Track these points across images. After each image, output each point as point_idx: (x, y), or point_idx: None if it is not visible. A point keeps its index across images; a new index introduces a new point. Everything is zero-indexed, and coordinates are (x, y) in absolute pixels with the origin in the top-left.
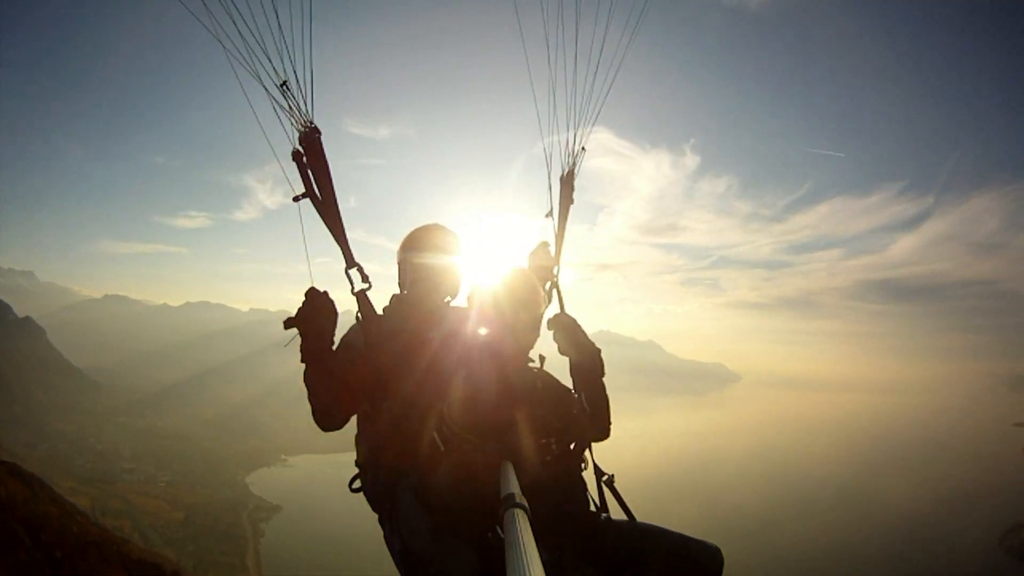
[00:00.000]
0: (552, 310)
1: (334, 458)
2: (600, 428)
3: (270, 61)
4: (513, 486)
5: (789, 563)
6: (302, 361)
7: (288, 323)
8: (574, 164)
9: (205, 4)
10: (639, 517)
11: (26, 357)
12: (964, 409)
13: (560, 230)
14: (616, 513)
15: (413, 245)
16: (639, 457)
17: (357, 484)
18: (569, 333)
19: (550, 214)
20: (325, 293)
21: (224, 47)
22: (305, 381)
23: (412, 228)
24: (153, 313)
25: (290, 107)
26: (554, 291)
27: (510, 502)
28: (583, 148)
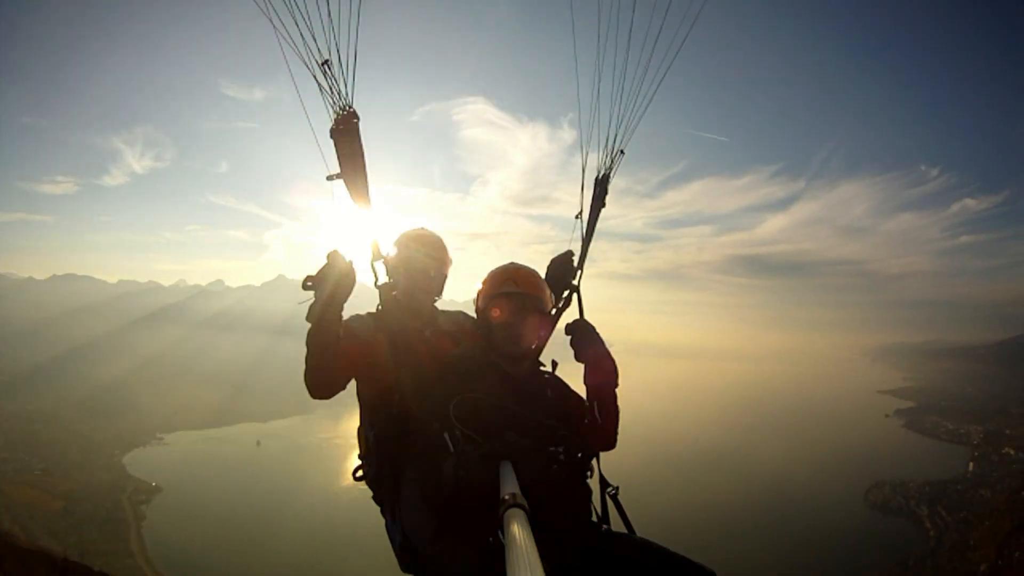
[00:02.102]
0: (572, 315)
1: (209, 433)
2: (609, 439)
3: (315, 39)
4: (513, 486)
5: (666, 523)
6: (308, 319)
7: (306, 282)
8: (611, 167)
9: None
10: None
11: None
12: (830, 377)
13: (588, 233)
14: (616, 524)
15: (406, 248)
16: None
17: (360, 474)
18: (586, 340)
19: (580, 215)
20: (348, 260)
21: (272, 23)
22: (307, 341)
23: (403, 231)
24: (19, 287)
25: (330, 88)
26: (574, 296)
27: (509, 502)
28: (622, 151)
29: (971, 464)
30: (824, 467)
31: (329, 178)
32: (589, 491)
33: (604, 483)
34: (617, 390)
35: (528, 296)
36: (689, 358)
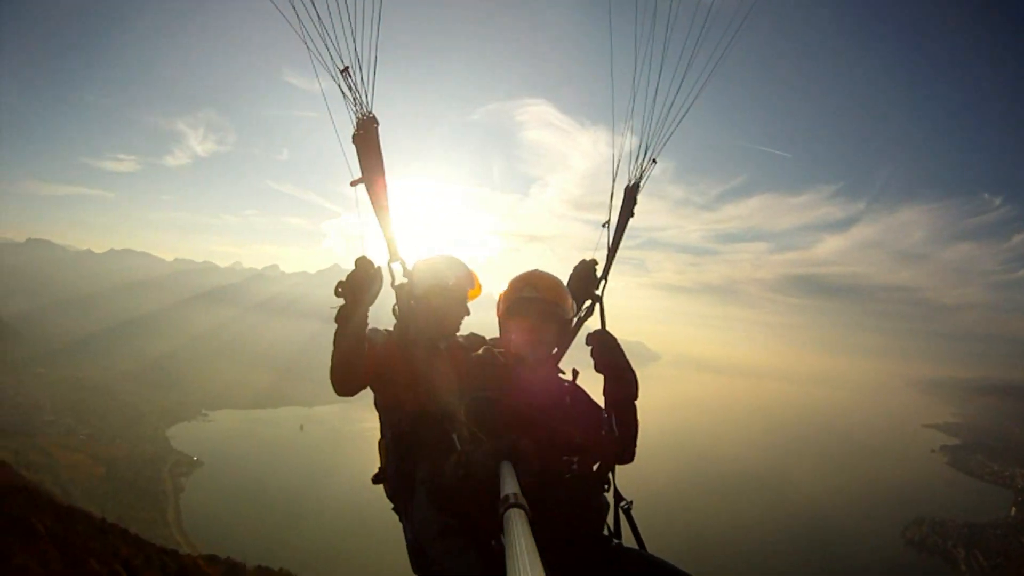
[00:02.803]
0: (594, 325)
1: (254, 414)
2: (626, 452)
3: (335, 47)
4: (512, 486)
5: (695, 542)
6: (336, 321)
7: (337, 289)
8: (641, 176)
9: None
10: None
11: None
12: (876, 406)
13: (615, 243)
14: (629, 540)
15: (433, 274)
16: None
17: (379, 477)
18: (607, 351)
19: (607, 224)
20: (376, 267)
21: (295, 29)
22: (334, 341)
23: (428, 257)
24: (77, 259)
25: (352, 94)
26: (596, 306)
27: (509, 502)
28: (654, 160)
29: (1013, 509)
30: (862, 498)
31: (352, 184)
32: (604, 503)
33: (618, 496)
34: (637, 403)
35: (549, 303)
36: (735, 375)
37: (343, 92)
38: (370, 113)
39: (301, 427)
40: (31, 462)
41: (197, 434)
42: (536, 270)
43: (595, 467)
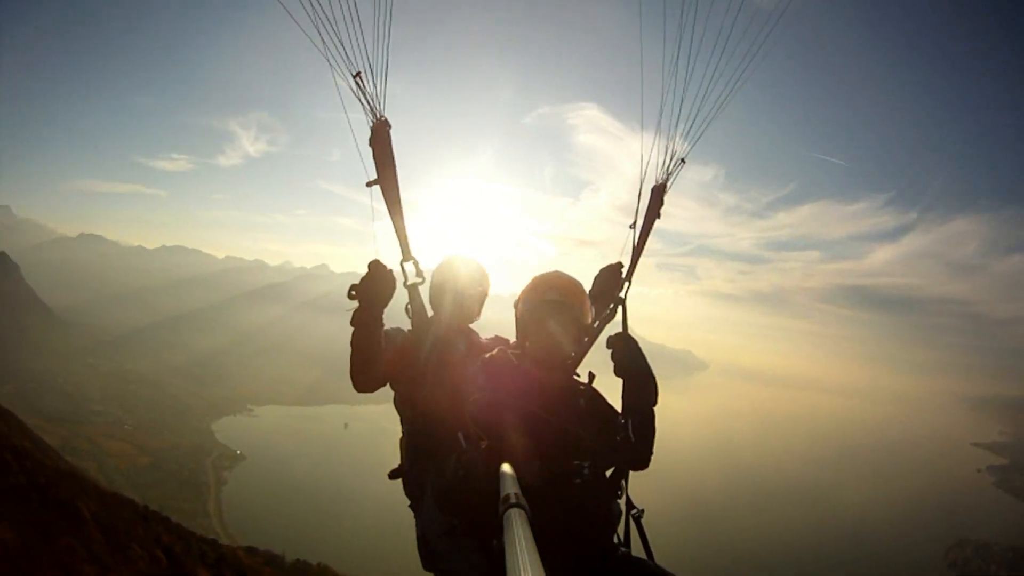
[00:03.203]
0: (615, 328)
1: (299, 411)
2: (642, 459)
3: (346, 54)
4: (512, 487)
5: (738, 554)
6: (351, 324)
7: (351, 292)
8: (668, 176)
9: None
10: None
11: None
12: (924, 422)
13: (640, 243)
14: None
15: (446, 276)
16: None
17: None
18: (628, 354)
19: (634, 225)
20: (388, 269)
21: (308, 36)
22: (351, 343)
23: (446, 258)
24: (128, 254)
25: (365, 98)
26: (618, 309)
27: (509, 502)
28: (682, 160)
29: None
30: (906, 516)
31: (368, 184)
32: (615, 510)
33: (629, 504)
34: (656, 408)
35: (567, 305)
36: (783, 386)
37: (357, 97)
38: (382, 117)
39: (345, 425)
40: (77, 449)
41: (242, 429)
42: (556, 271)
43: (609, 473)
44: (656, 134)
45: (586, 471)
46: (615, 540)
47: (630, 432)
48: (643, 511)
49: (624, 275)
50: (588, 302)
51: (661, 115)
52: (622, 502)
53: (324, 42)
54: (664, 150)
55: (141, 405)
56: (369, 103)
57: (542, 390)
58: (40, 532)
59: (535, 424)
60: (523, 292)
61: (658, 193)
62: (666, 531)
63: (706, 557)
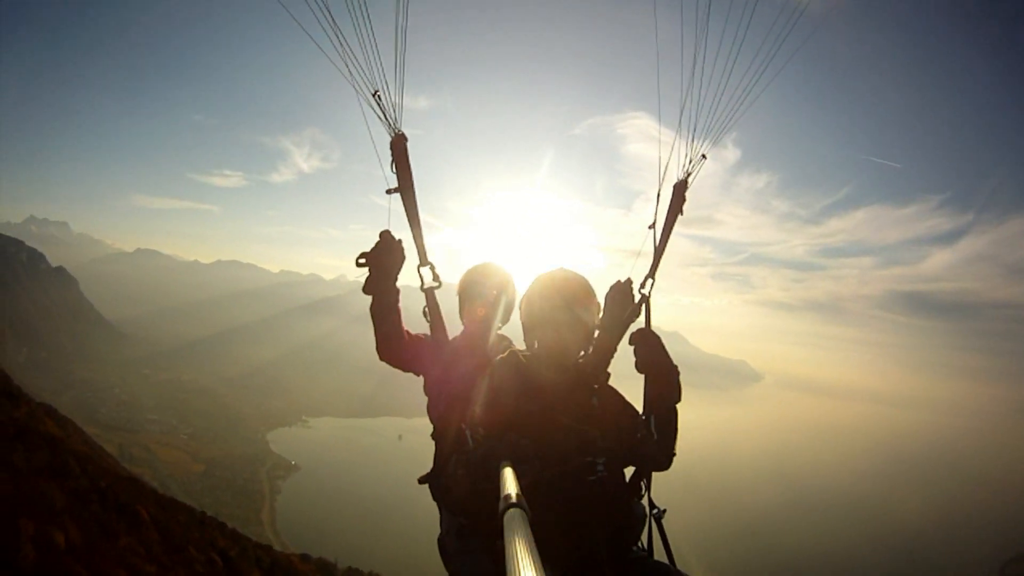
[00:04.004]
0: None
1: (354, 422)
2: (662, 457)
3: (363, 74)
4: (512, 486)
5: (790, 566)
6: (366, 292)
7: (359, 260)
8: (689, 173)
9: (325, 21)
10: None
11: (56, 306)
12: (982, 432)
13: (662, 241)
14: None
15: (470, 283)
16: None
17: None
18: (650, 350)
19: (653, 225)
20: (398, 240)
21: (330, 59)
22: (371, 312)
23: (471, 267)
24: (183, 269)
25: (384, 114)
26: (643, 306)
27: (508, 502)
28: (703, 156)
29: None
30: (961, 531)
31: (388, 192)
32: (635, 510)
33: (651, 505)
34: (678, 406)
35: (573, 304)
36: (838, 397)
37: (376, 113)
38: (400, 131)
39: (399, 437)
40: (133, 456)
41: (296, 439)
42: (562, 270)
43: (630, 475)
44: (677, 132)
45: (601, 469)
46: (639, 544)
47: (651, 429)
48: (664, 511)
49: (648, 272)
50: (595, 300)
51: (683, 111)
52: (646, 504)
53: (345, 64)
54: (686, 146)
55: (196, 415)
56: (387, 119)
57: (551, 390)
58: (102, 532)
59: (540, 423)
60: (527, 292)
61: (679, 190)
62: (719, 543)
63: (759, 570)
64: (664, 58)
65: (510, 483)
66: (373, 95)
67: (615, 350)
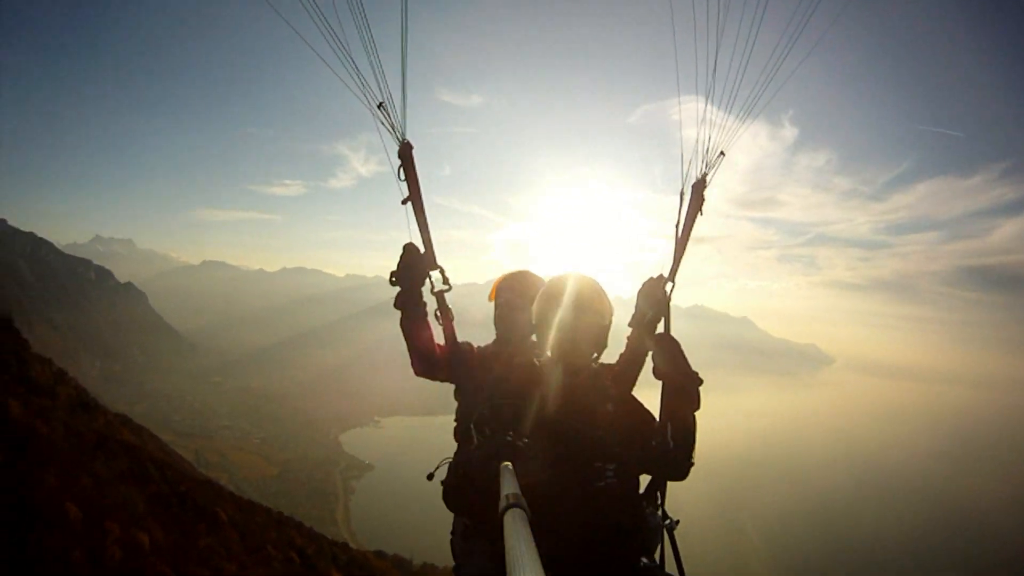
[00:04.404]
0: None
1: (426, 420)
2: (679, 467)
3: (367, 86)
4: (512, 486)
5: (862, 552)
6: (395, 306)
7: (391, 277)
8: (707, 170)
9: (329, 34)
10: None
11: (127, 320)
12: None
13: (682, 242)
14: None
15: (507, 290)
16: (725, 436)
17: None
18: (668, 356)
19: (677, 224)
20: (422, 251)
21: (335, 72)
22: (400, 327)
23: (507, 274)
24: (250, 278)
25: (390, 124)
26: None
27: (508, 502)
28: (722, 153)
29: None
30: None
31: (403, 202)
32: (645, 519)
33: (663, 515)
34: (697, 414)
35: (586, 307)
36: (910, 379)
37: (382, 123)
38: (404, 139)
39: None
40: (208, 462)
41: (369, 440)
42: (573, 273)
43: (640, 480)
44: (698, 126)
45: (610, 475)
46: (652, 557)
47: (668, 437)
48: (677, 522)
49: (668, 275)
50: (605, 301)
51: (708, 100)
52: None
53: (352, 77)
54: (704, 141)
55: (268, 420)
56: (394, 129)
57: (564, 393)
58: (184, 534)
59: (547, 425)
60: (539, 296)
61: (698, 189)
62: (791, 527)
63: (830, 555)
64: (686, 41)
65: (510, 483)
66: (378, 106)
67: (646, 351)
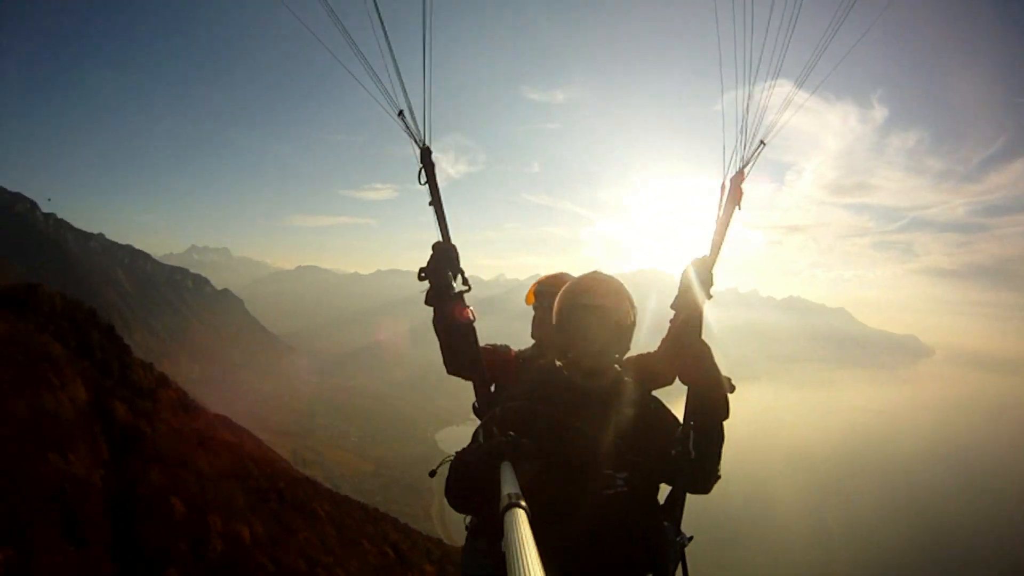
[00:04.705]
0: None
1: None
2: (702, 479)
3: (388, 94)
4: (512, 486)
5: (959, 555)
6: (426, 303)
7: (420, 273)
8: (745, 162)
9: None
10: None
11: (224, 325)
12: None
13: (718, 236)
14: None
15: (547, 296)
16: (821, 431)
17: None
18: (695, 360)
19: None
20: (448, 246)
21: (358, 80)
22: (433, 324)
23: (546, 277)
24: (344, 281)
25: (409, 131)
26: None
27: (509, 501)
28: (762, 142)
29: None
30: None
31: (430, 204)
32: (664, 533)
33: (676, 530)
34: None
35: (603, 308)
36: (1012, 372)
37: (403, 129)
38: (424, 146)
39: None
40: (305, 460)
41: (465, 437)
42: (592, 274)
43: (658, 491)
44: (737, 114)
45: (621, 483)
46: (665, 574)
47: (690, 447)
48: (690, 538)
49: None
50: (627, 302)
51: (748, 84)
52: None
53: (376, 85)
54: (741, 131)
55: (364, 418)
56: (414, 136)
57: (578, 396)
58: (282, 528)
59: (555, 428)
60: (557, 299)
61: (736, 182)
62: (884, 529)
63: (930, 554)
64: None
65: (510, 482)
66: (399, 115)
67: (707, 355)
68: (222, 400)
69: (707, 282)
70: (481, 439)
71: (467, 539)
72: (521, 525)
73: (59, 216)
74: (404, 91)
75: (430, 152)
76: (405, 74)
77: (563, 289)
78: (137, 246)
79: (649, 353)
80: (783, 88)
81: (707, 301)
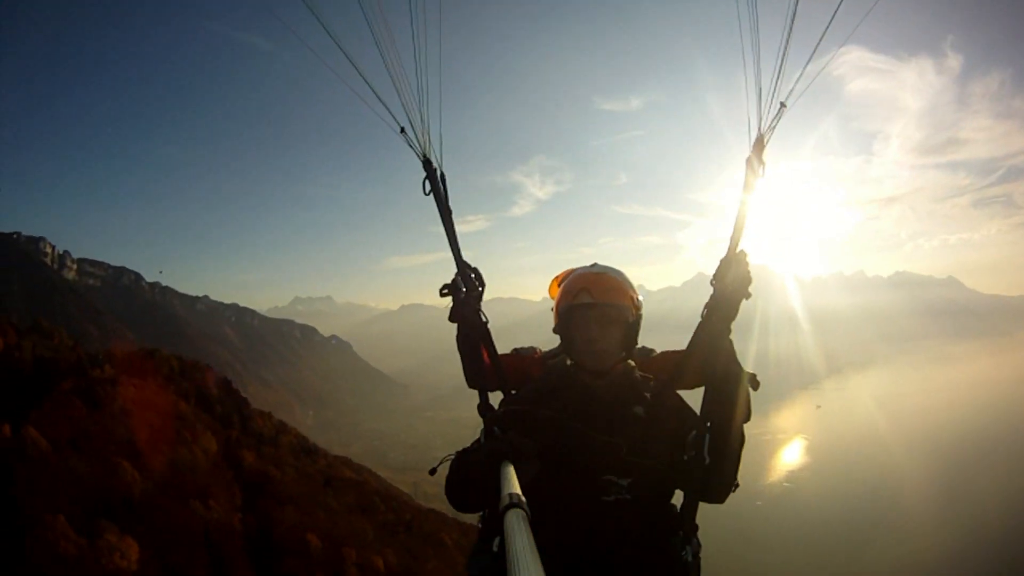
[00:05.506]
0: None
1: None
2: (717, 486)
3: (392, 112)
4: (512, 486)
5: None
6: (450, 320)
7: (442, 290)
8: (763, 129)
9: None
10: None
11: (335, 369)
12: None
13: (741, 211)
14: None
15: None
16: (944, 413)
17: None
18: (713, 355)
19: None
20: (474, 268)
21: (362, 98)
22: (456, 340)
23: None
24: (444, 315)
25: (411, 146)
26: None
27: (508, 502)
28: (782, 104)
29: None
30: None
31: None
32: (674, 543)
33: (686, 539)
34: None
35: (607, 306)
36: None
37: (408, 144)
38: (426, 157)
39: None
40: (427, 494)
41: None
42: (591, 269)
43: (668, 500)
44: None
45: (623, 490)
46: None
47: (704, 451)
48: (699, 547)
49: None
50: (630, 296)
51: (755, 46)
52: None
53: (380, 101)
54: (762, 92)
55: None
56: (418, 150)
57: (582, 396)
58: (412, 557)
59: (555, 430)
60: (557, 298)
61: (756, 149)
62: (984, 519)
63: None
64: None
65: (510, 482)
66: (401, 131)
67: (725, 349)
68: (340, 442)
69: (741, 278)
70: (482, 439)
71: (476, 540)
72: (521, 525)
73: (163, 284)
74: (405, 109)
75: (431, 162)
76: (433, 91)
77: (561, 288)
78: (242, 303)
79: (676, 351)
80: (801, 46)
81: (746, 299)
